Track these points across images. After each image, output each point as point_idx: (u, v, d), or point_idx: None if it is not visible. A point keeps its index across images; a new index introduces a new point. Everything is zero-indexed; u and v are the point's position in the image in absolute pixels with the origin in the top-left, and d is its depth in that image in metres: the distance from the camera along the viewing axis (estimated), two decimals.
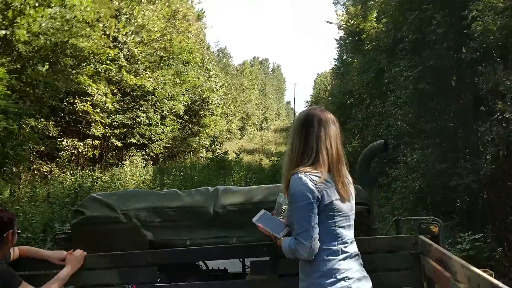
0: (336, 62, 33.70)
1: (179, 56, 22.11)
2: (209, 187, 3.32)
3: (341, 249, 2.09)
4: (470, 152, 8.73)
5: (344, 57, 29.26)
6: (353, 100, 25.59)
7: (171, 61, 21.71)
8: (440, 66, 8.43)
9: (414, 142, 9.70)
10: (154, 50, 19.71)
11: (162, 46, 20.05)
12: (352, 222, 2.20)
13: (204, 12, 32.61)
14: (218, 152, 24.02)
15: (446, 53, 8.45)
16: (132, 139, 19.85)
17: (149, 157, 21.52)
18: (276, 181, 13.39)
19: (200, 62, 27.55)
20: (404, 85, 9.21)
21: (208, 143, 27.59)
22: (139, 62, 18.56)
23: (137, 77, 18.69)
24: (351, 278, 2.06)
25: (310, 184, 2.02)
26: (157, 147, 21.54)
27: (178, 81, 22.64)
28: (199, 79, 24.77)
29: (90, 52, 14.72)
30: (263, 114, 56.08)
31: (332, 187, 2.07)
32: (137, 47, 17.58)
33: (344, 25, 19.86)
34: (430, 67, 8.47)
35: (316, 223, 2.03)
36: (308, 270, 2.10)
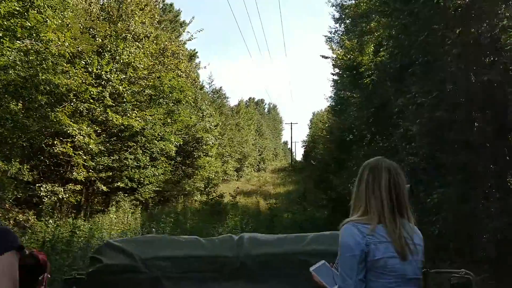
0: (332, 100, 33.01)
1: (170, 95, 21.08)
2: (233, 234, 3.14)
3: None
4: (498, 189, 7.50)
5: (341, 94, 28.52)
6: (352, 137, 24.51)
7: (161, 100, 20.67)
8: (458, 91, 7.35)
9: (430, 180, 8.46)
10: (142, 89, 18.68)
11: (151, 84, 19.05)
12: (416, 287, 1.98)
13: (197, 52, 32.09)
14: (213, 195, 22.68)
15: (464, 76, 7.38)
16: (119, 183, 18.54)
17: (138, 202, 20.16)
18: (274, 226, 11.93)
19: (192, 102, 26.62)
20: (416, 114, 8.08)
21: (203, 186, 26.29)
22: (125, 101, 17.48)
23: (124, 117, 17.56)
24: None
25: (357, 236, 1.95)
26: (147, 191, 20.21)
27: (169, 121, 21.56)
28: (191, 118, 23.72)
29: (69, 89, 13.67)
30: (260, 155, 54.97)
31: (386, 241, 1.94)
32: (122, 85, 16.54)
33: (341, 60, 19.00)
34: (446, 93, 7.39)
35: (361, 279, 1.92)
36: None
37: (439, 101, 7.55)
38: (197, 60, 32.77)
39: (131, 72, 17.84)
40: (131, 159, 18.68)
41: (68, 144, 14.76)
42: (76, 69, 15.07)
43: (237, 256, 2.82)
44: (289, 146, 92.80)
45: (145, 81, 18.99)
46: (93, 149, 15.89)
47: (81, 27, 16.11)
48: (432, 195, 7.89)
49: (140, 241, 3.17)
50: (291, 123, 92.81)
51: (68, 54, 13.73)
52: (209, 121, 27.92)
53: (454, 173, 7.70)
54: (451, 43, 7.31)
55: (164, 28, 25.86)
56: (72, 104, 14.76)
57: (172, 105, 22.12)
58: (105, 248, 2.95)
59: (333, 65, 27.47)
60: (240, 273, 2.78)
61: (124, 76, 17.17)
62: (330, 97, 34.55)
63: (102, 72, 16.26)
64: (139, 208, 19.74)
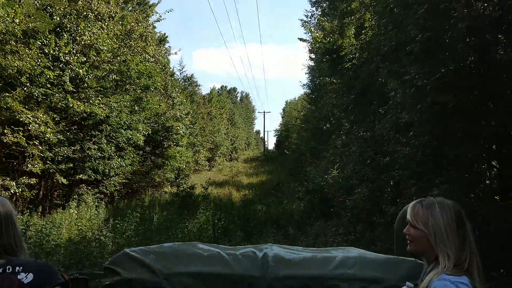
0: (308, 88, 32.13)
1: (137, 80, 19.65)
2: (256, 249, 2.91)
3: None
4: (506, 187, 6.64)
5: (318, 80, 27.60)
6: (329, 126, 23.68)
7: (128, 86, 19.22)
8: (466, 72, 6.41)
9: (428, 174, 7.54)
10: (106, 73, 17.20)
11: (116, 68, 17.58)
12: None
13: (167, 36, 30.53)
14: (184, 187, 21.45)
15: (474, 54, 6.43)
16: (81, 175, 17.10)
17: (103, 195, 18.77)
18: (251, 226, 10.73)
19: (162, 89, 25.21)
20: (415, 99, 7.11)
21: (173, 177, 25.03)
22: (88, 86, 16.02)
23: (87, 104, 16.10)
24: None
25: None
26: (113, 184, 18.83)
27: (136, 109, 20.16)
28: (160, 106, 22.35)
29: (20, 72, 12.18)
30: (232, 144, 53.80)
31: None
32: (82, 68, 15.07)
33: (319, 43, 17.97)
34: (452, 74, 6.42)
35: None
36: None
37: (443, 84, 6.60)
38: (167, 45, 31.20)
39: (94, 55, 16.34)
40: (94, 149, 17.27)
41: (21, 133, 13.24)
42: (30, 50, 13.55)
43: (264, 277, 2.68)
44: (261, 135, 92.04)
45: (110, 65, 17.49)
46: (51, 139, 14.41)
47: (37, 4, 14.51)
48: (432, 191, 6.95)
49: (161, 253, 2.90)
50: (264, 112, 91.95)
51: (20, 32, 12.20)
52: (179, 109, 26.57)
53: (461, 168, 6.79)
54: (457, 16, 6.34)
55: (132, 10, 24.22)
56: (25, 88, 13.22)
57: (140, 92, 20.73)
58: (122, 259, 2.77)
59: (309, 50, 26.63)
60: None
61: (85, 59, 15.66)
62: (305, 84, 33.68)
63: (60, 54, 14.76)
64: (104, 202, 18.43)
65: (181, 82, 36.37)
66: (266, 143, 77.27)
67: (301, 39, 22.12)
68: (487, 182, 7.35)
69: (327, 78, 19.99)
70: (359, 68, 15.64)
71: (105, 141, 17.97)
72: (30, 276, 1.95)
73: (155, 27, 26.34)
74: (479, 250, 1.98)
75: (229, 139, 51.64)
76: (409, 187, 9.61)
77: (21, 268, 1.98)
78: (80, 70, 14.96)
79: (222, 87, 68.29)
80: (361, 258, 2.85)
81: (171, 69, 31.44)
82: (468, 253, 1.90)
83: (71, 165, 16.45)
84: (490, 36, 6.74)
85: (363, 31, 15.04)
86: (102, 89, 17.63)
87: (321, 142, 23.96)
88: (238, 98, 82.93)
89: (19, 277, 1.95)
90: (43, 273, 2.02)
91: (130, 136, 19.19)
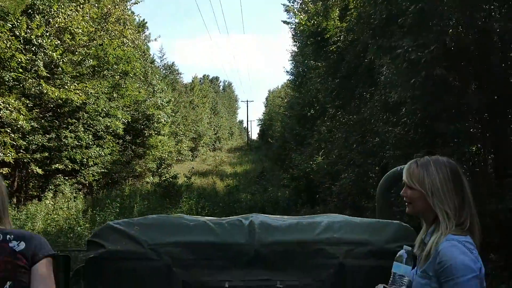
0: (291, 74, 31.68)
1: (115, 66, 18.93)
2: (241, 217, 2.87)
3: None
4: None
5: (302, 66, 27.16)
6: (314, 112, 23.29)
7: (105, 72, 18.49)
8: (463, 43, 6.01)
9: (420, 153, 7.17)
10: (82, 58, 16.47)
11: (93, 53, 16.85)
12: None
13: (146, 22, 29.64)
14: (166, 176, 20.86)
15: (472, 23, 6.03)
16: (58, 164, 16.42)
17: (81, 186, 18.11)
18: (236, 214, 10.44)
19: (142, 76, 24.47)
20: (408, 73, 6.69)
21: (155, 166, 24.40)
22: (61, 70, 15.29)
23: (62, 90, 15.37)
24: None
25: (470, 254, 1.74)
26: (91, 173, 18.16)
27: (115, 95, 19.45)
28: (140, 92, 21.64)
29: None
30: (215, 134, 53.17)
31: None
32: (56, 51, 14.34)
33: (303, 25, 17.48)
34: (447, 46, 6.01)
35: None
36: None
37: (438, 57, 6.19)
38: (147, 32, 30.35)
39: (68, 39, 15.58)
40: (71, 137, 16.57)
41: None
42: (0, 32, 12.80)
43: (251, 244, 2.66)
44: (244, 125, 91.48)
45: (86, 49, 16.73)
46: (24, 126, 13.70)
47: None
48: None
49: (145, 224, 2.84)
50: (247, 101, 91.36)
51: None
52: (160, 97, 25.87)
53: (456, 146, 6.41)
54: None
55: None
56: None
57: (119, 78, 19.99)
58: (106, 231, 2.73)
59: (293, 35, 26.12)
60: (255, 261, 2.65)
61: (59, 42, 14.90)
62: (288, 71, 33.18)
63: (32, 37, 13.99)
64: (83, 192, 17.79)
65: (161, 70, 35.56)
66: (249, 132, 76.83)
67: (284, 22, 21.52)
68: (481, 159, 7.01)
69: (312, 62, 19.51)
70: (345, 50, 15.23)
71: (82, 129, 17.29)
72: (22, 245, 1.93)
73: (133, 12, 25.50)
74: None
75: (212, 129, 51.01)
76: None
77: (12, 236, 1.95)
78: (54, 54, 14.22)
79: (204, 76, 67.40)
80: (346, 223, 2.85)
81: (151, 56, 30.64)
82: (468, 212, 1.86)
83: (47, 154, 15.77)
84: (486, 5, 6.37)
85: (347, 13, 14.61)
86: (78, 75, 16.92)
87: (305, 128, 23.58)
88: (221, 87, 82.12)
89: (10, 244, 1.92)
90: (35, 242, 1.98)
91: (109, 124, 18.51)
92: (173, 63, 43.28)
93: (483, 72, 6.63)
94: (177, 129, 32.12)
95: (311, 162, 18.11)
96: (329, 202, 14.08)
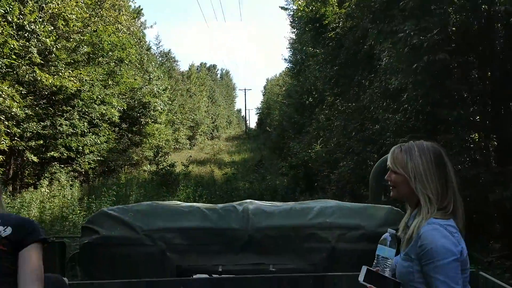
0: (290, 62, 31.42)
1: (111, 53, 18.64)
2: (236, 204, 2.95)
3: None
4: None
5: (300, 54, 26.87)
6: (312, 100, 23.08)
7: (100, 58, 18.21)
8: (466, 27, 5.81)
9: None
10: (76, 44, 16.19)
11: (87, 39, 16.56)
12: None
13: (142, 9, 29.27)
14: (163, 165, 20.68)
15: (475, 6, 5.82)
16: (53, 152, 16.22)
17: (77, 174, 17.94)
18: (233, 200, 10.24)
19: (138, 63, 24.18)
20: (408, 59, 6.49)
21: (152, 155, 24.22)
22: (55, 57, 15.02)
23: (56, 77, 15.12)
24: None
25: (452, 237, 1.75)
26: (87, 161, 17.97)
27: (110, 83, 19.17)
28: (135, 80, 21.36)
29: None
30: (213, 122, 52.87)
31: (462, 238, 1.81)
32: (49, 37, 14.07)
33: (302, 11, 17.22)
34: (450, 30, 5.81)
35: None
36: None
37: (441, 41, 5.99)
38: (142, 19, 29.98)
39: (62, 25, 15.27)
40: (66, 125, 16.35)
41: None
42: None
43: (245, 229, 2.70)
44: (243, 113, 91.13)
45: (80, 35, 16.44)
46: (18, 114, 13.47)
47: None
48: None
49: (139, 210, 2.86)
50: (245, 89, 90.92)
51: None
52: (156, 84, 25.57)
53: (458, 133, 6.24)
54: None
55: None
56: None
57: (114, 66, 19.71)
58: (100, 218, 2.74)
59: (291, 22, 25.82)
60: (249, 246, 2.67)
61: (52, 28, 14.61)
62: (285, 59, 32.92)
63: (25, 23, 13.69)
64: (79, 180, 17.62)
65: (158, 57, 35.19)
66: (247, 121, 76.56)
67: (282, 8, 21.24)
68: (483, 147, 6.84)
69: (310, 48, 19.25)
70: (344, 37, 14.99)
71: (78, 117, 17.07)
72: (9, 230, 1.88)
73: None
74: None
75: (210, 117, 50.72)
76: None
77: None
78: (47, 40, 13.94)
79: (201, 64, 66.91)
80: (339, 208, 2.90)
81: (147, 43, 30.28)
82: (451, 196, 1.86)
83: (42, 142, 15.55)
84: None
85: None
86: (73, 61, 16.66)
87: (304, 117, 23.39)
88: (218, 75, 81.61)
89: None
90: (23, 227, 1.92)
91: (104, 112, 18.28)
92: (169, 50, 42.91)
93: (486, 57, 6.44)
94: (174, 117, 31.86)
95: (309, 151, 17.97)
96: (327, 190, 13.94)
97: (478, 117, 6.39)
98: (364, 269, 2.04)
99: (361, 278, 2.02)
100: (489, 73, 6.65)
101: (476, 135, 6.67)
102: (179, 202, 3.11)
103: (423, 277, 1.81)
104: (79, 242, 2.75)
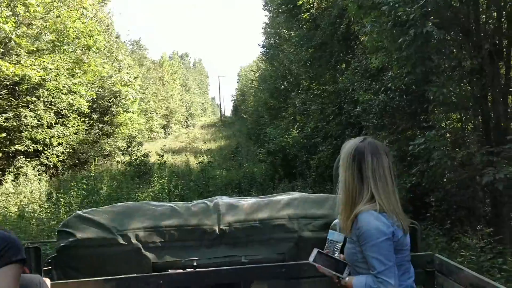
0: (264, 47, 30.88)
1: (77, 40, 17.73)
2: (207, 200, 3.08)
3: (410, 284, 2.10)
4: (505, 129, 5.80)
5: (273, 41, 26.41)
6: (287, 85, 22.63)
7: (66, 46, 17.30)
8: None
9: (406, 120, 6.64)
10: (39, 31, 15.29)
11: (50, 26, 15.65)
12: None
13: None
14: (137, 155, 19.96)
15: None
16: (18, 145, 15.38)
17: (46, 167, 17.12)
18: (210, 192, 9.84)
19: (107, 51, 23.25)
20: (392, 33, 6.08)
21: (125, 145, 23.44)
22: (15, 44, 14.13)
23: (17, 66, 14.23)
24: None
25: (384, 220, 1.96)
26: (55, 154, 17.16)
27: (77, 71, 18.29)
28: (104, 68, 20.49)
29: None
30: (187, 110, 52.05)
31: (397, 220, 2.01)
32: (7, 23, 13.16)
33: None
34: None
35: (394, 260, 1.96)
36: None
37: (429, 12, 5.60)
38: (109, 5, 28.84)
39: (22, 10, 14.34)
40: (31, 116, 15.50)
41: None
42: None
43: (216, 224, 2.83)
44: (217, 101, 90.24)
45: (42, 21, 15.52)
46: None
47: None
48: (415, 140, 6.04)
49: (113, 211, 2.93)
50: (219, 76, 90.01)
51: None
52: (127, 73, 24.69)
53: (447, 111, 5.89)
54: None
55: None
56: None
57: (81, 54, 18.79)
58: (75, 220, 2.81)
59: (264, 5, 25.20)
60: (221, 240, 2.80)
61: (10, 14, 13.68)
62: (259, 44, 32.36)
63: None
64: (48, 174, 16.84)
65: (128, 45, 34.12)
66: (222, 108, 75.70)
67: None
68: (473, 126, 6.52)
69: (284, 31, 18.74)
70: (319, 17, 14.54)
71: (43, 108, 16.21)
72: None
73: None
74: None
75: (184, 105, 49.86)
76: (379, 140, 8.75)
77: None
78: (5, 26, 13.03)
79: (173, 52, 65.62)
80: (304, 199, 3.04)
81: (116, 31, 29.23)
82: (374, 189, 2.01)
83: (5, 134, 14.70)
84: None
85: None
86: (36, 50, 15.75)
87: (279, 101, 22.97)
88: (191, 63, 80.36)
89: None
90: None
91: (72, 102, 17.43)
92: (139, 39, 41.76)
93: (475, 29, 6.08)
94: (147, 106, 31.01)
95: (286, 136, 17.58)
96: (307, 176, 13.59)
97: (468, 94, 6.03)
98: (315, 251, 2.21)
99: (311, 259, 2.21)
100: (478, 44, 6.29)
101: (461, 114, 6.33)
102: (150, 202, 3.15)
103: (363, 257, 1.99)
104: (55, 246, 2.79)
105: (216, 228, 2.81)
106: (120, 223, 2.78)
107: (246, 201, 3.08)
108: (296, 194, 3.20)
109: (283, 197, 3.10)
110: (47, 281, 2.23)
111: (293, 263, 2.46)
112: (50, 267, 2.71)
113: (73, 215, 2.88)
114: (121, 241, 2.71)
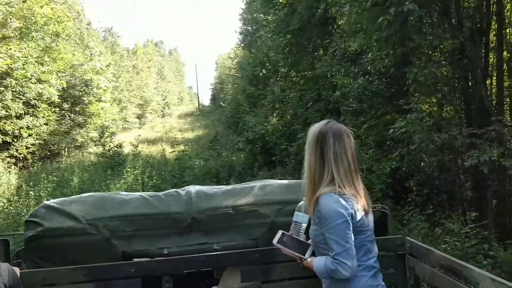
0: (241, 34, 30.49)
1: (45, 27, 17.06)
2: (179, 189, 3.05)
3: (371, 264, 2.11)
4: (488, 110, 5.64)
5: (250, 28, 26.05)
6: (266, 72, 22.33)
7: (34, 33, 16.61)
8: None
9: (385, 103, 6.43)
10: (4, 16, 14.61)
11: (16, 12, 14.99)
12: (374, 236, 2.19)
13: None
14: (110, 146, 19.40)
15: None
16: None
17: (15, 160, 16.50)
18: (186, 182, 9.53)
19: (78, 39, 22.50)
20: (371, 13, 5.84)
21: (98, 135, 22.79)
22: None
23: None
24: None
25: (343, 202, 2.00)
26: (25, 146, 16.54)
27: (46, 59, 17.61)
28: (74, 55, 19.80)
29: None
30: (163, 99, 51.16)
31: (358, 202, 2.05)
32: None
33: None
34: None
35: (353, 241, 2.00)
36: None
37: None
38: None
39: None
40: None
41: None
42: None
43: (188, 212, 2.81)
44: (195, 90, 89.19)
45: (7, 7, 14.83)
46: None
47: None
48: (395, 124, 5.84)
49: (81, 201, 2.90)
50: (196, 65, 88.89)
51: None
52: (99, 60, 23.96)
53: (429, 92, 5.68)
54: None
55: None
56: None
57: (50, 41, 18.09)
58: (43, 211, 2.77)
59: None
60: (192, 227, 2.80)
61: None
62: (235, 31, 31.93)
63: None
64: (18, 167, 16.22)
65: (100, 32, 33.21)
66: (200, 97, 74.79)
67: None
68: (455, 109, 6.35)
69: (261, 15, 18.38)
70: (296, 1, 14.24)
71: (11, 98, 15.54)
72: None
73: None
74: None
75: (160, 94, 49.00)
76: (357, 126, 8.57)
77: None
78: None
79: (148, 40, 64.32)
80: (276, 185, 3.04)
81: (86, 18, 28.36)
82: (335, 171, 2.04)
83: None
84: None
85: None
86: (2, 37, 15.07)
87: (258, 89, 22.66)
88: (167, 51, 79.10)
89: None
90: None
91: (41, 91, 16.77)
92: (112, 27, 40.74)
93: (455, 8, 5.88)
94: (121, 95, 30.28)
95: (265, 124, 17.35)
96: (287, 163, 13.39)
97: (449, 75, 5.85)
98: (279, 233, 2.23)
99: (275, 240, 2.21)
100: (453, 27, 6.10)
101: (449, 95, 6.15)
102: (120, 192, 3.17)
103: (325, 238, 2.02)
104: (24, 237, 2.76)
105: (188, 216, 2.79)
106: (88, 212, 2.76)
107: (219, 189, 3.06)
108: (270, 181, 3.22)
109: (256, 184, 3.10)
110: (16, 270, 2.30)
111: (266, 248, 2.46)
112: (19, 260, 2.73)
113: (41, 205, 2.83)
114: (90, 231, 2.68)
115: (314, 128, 2.13)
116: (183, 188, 3.06)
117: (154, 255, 2.72)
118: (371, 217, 2.13)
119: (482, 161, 4.99)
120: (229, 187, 3.14)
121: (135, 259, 2.69)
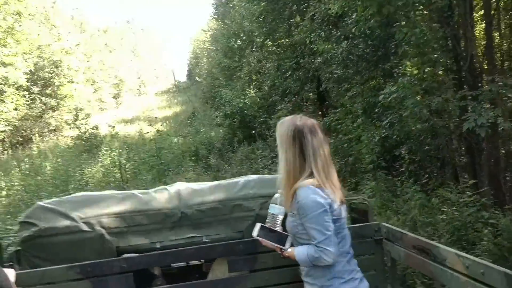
0: (215, 5, 29.54)
1: (5, 6, 16.06)
2: (167, 186, 3.22)
3: (347, 250, 2.21)
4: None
5: None
6: (241, 43, 21.63)
7: None
8: None
9: (372, 68, 6.01)
10: None
11: None
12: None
13: None
14: (85, 128, 18.69)
15: None
16: None
17: None
18: (165, 162, 8.77)
19: (43, 17, 21.41)
20: None
21: (72, 118, 22.00)
22: None
23: None
24: (356, 279, 2.19)
25: (321, 193, 2.08)
26: None
27: (9, 41, 16.65)
28: (39, 35, 18.83)
29: None
30: (139, 78, 49.95)
31: (334, 193, 2.13)
32: None
33: None
34: None
35: (333, 229, 2.09)
36: (318, 273, 2.17)
37: None
38: None
39: None
40: None
41: None
42: None
43: (178, 207, 2.94)
44: (170, 67, 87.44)
45: None
46: None
47: None
48: (384, 89, 5.44)
49: (74, 200, 3.00)
50: (170, 40, 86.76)
51: None
52: (67, 40, 22.91)
53: (421, 56, 5.27)
54: None
55: None
56: None
57: (13, 22, 17.08)
58: (37, 211, 2.85)
59: None
60: (182, 222, 2.93)
61: None
62: (210, 2, 30.91)
63: None
64: None
65: (69, 14, 31.78)
66: (176, 73, 73.50)
67: None
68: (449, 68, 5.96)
69: None
70: None
71: None
72: None
73: None
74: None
75: (135, 73, 47.79)
76: (341, 94, 8.16)
77: None
78: None
79: (119, 19, 62.33)
80: (260, 180, 3.18)
81: None
82: (313, 166, 2.12)
83: None
84: None
85: None
86: None
87: (233, 61, 22.01)
88: (140, 28, 76.95)
89: None
90: None
91: (6, 75, 15.90)
92: (77, 8, 39.14)
93: None
94: (94, 75, 29.25)
95: (243, 97, 16.82)
96: (267, 136, 12.99)
97: (439, 34, 5.43)
98: (257, 225, 2.29)
99: (254, 233, 2.28)
100: None
101: (441, 55, 5.75)
102: (114, 191, 3.28)
103: (304, 228, 2.12)
104: (19, 237, 2.83)
105: (177, 211, 2.91)
106: (82, 211, 2.84)
107: (205, 185, 3.19)
108: (254, 176, 3.35)
109: (241, 179, 3.22)
110: (12, 271, 2.32)
111: (251, 240, 2.55)
112: (12, 263, 2.72)
113: (34, 206, 2.90)
114: (84, 228, 2.77)
115: (287, 125, 2.18)
116: (171, 185, 3.20)
117: (147, 250, 2.82)
118: (344, 207, 2.22)
119: (479, 125, 4.65)
120: (216, 182, 3.27)
121: (126, 255, 2.76)
